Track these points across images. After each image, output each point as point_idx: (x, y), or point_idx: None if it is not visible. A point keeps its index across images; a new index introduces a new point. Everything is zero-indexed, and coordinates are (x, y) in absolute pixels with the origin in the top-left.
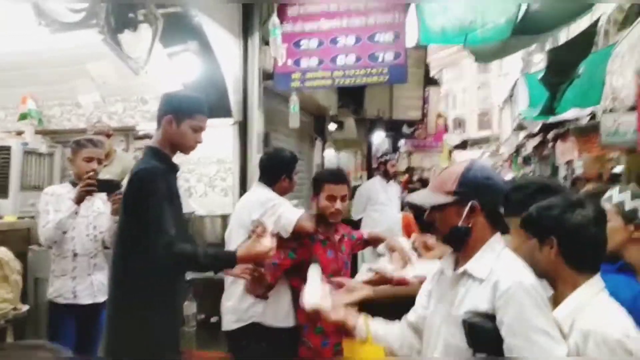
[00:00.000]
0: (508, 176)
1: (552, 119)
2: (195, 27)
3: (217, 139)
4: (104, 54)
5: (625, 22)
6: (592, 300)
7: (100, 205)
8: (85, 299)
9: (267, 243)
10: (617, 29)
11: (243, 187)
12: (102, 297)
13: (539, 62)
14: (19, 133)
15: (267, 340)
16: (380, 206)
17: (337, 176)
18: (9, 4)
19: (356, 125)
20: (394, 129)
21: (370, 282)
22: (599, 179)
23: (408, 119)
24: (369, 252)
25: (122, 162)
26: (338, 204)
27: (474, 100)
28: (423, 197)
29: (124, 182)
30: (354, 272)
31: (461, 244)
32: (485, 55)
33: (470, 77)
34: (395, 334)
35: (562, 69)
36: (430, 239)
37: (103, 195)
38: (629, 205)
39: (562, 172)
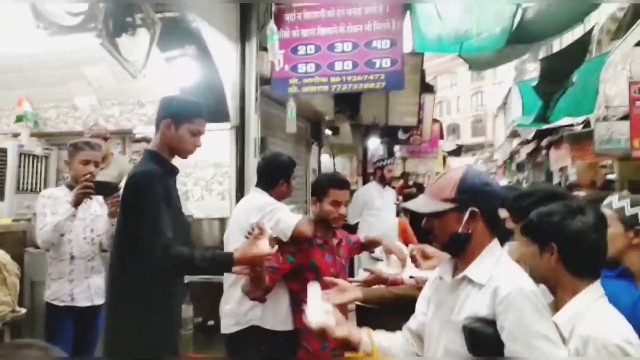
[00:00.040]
0: (502, 182)
1: (545, 126)
2: (193, 32)
3: (215, 143)
4: (100, 58)
5: (618, 32)
6: (592, 306)
7: (97, 208)
8: (82, 302)
9: (265, 245)
10: (610, 39)
11: (240, 191)
12: (99, 300)
13: (533, 70)
14: (15, 135)
15: (265, 344)
16: (376, 211)
17: (342, 182)
18: (6, 5)
19: (352, 130)
20: (390, 134)
21: (365, 282)
22: (592, 186)
23: (404, 125)
24: (365, 256)
25: (119, 165)
26: (342, 210)
27: (468, 107)
28: (421, 205)
29: (122, 185)
30: (351, 276)
31: (461, 251)
32: (479, 63)
33: (464, 85)
34: (399, 344)
35: (555, 78)
36: (429, 248)
37: (100, 198)
38: (629, 212)
39: (555, 179)
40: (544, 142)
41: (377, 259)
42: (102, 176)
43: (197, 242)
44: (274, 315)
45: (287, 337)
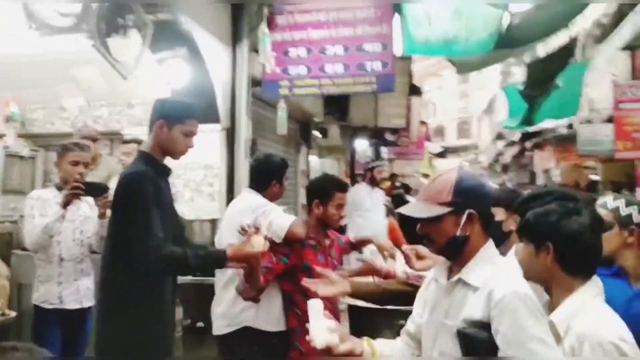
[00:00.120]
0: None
1: (530, 129)
2: (184, 34)
3: (205, 144)
4: (89, 59)
5: (602, 37)
6: (588, 305)
7: (86, 210)
8: (71, 304)
9: (258, 243)
10: (594, 43)
11: (230, 193)
12: (88, 303)
13: (518, 74)
14: (1, 136)
15: (258, 345)
16: (366, 212)
17: (345, 185)
18: None
19: (340, 132)
20: (377, 136)
21: (359, 272)
22: (576, 187)
23: (392, 126)
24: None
25: (108, 166)
26: (343, 212)
27: (453, 109)
28: (418, 210)
29: (111, 186)
30: None
31: (458, 254)
32: (467, 67)
33: (450, 87)
34: (400, 350)
35: (540, 82)
36: (422, 248)
37: (89, 199)
38: (624, 212)
39: (539, 180)
40: (529, 144)
41: (362, 261)
42: (92, 177)
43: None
44: (267, 316)
45: (279, 338)
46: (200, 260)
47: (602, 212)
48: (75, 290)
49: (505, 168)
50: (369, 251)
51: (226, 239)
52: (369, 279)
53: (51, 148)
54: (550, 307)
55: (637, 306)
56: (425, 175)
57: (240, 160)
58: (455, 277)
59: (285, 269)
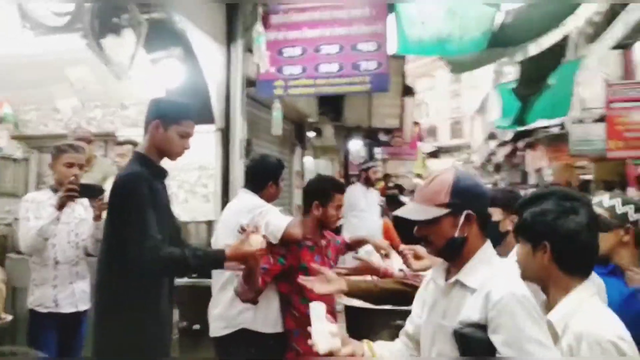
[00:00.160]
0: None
1: (522, 129)
2: (178, 33)
3: (199, 145)
4: (83, 59)
5: (594, 36)
6: (585, 304)
7: (81, 212)
8: (66, 308)
9: (257, 242)
10: (586, 42)
11: (225, 194)
12: (83, 306)
13: (510, 73)
14: None
15: (256, 346)
16: (361, 212)
17: (343, 186)
18: None
19: (334, 132)
20: (371, 136)
21: (356, 271)
22: (568, 186)
23: (386, 126)
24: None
25: (103, 168)
26: (341, 212)
27: (446, 109)
28: (416, 212)
29: (106, 187)
30: None
31: (457, 255)
32: (460, 66)
33: (442, 87)
34: (399, 351)
35: (533, 81)
36: (420, 249)
37: (84, 201)
38: (619, 210)
39: (532, 180)
40: (521, 144)
41: (360, 260)
42: (86, 179)
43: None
44: (264, 317)
45: (277, 340)
46: (199, 260)
47: (598, 210)
48: (70, 293)
49: (498, 167)
50: (364, 251)
51: (223, 240)
52: (366, 278)
53: (45, 150)
54: (547, 306)
55: (633, 304)
56: (419, 176)
57: (235, 161)
58: (453, 279)
59: (282, 270)
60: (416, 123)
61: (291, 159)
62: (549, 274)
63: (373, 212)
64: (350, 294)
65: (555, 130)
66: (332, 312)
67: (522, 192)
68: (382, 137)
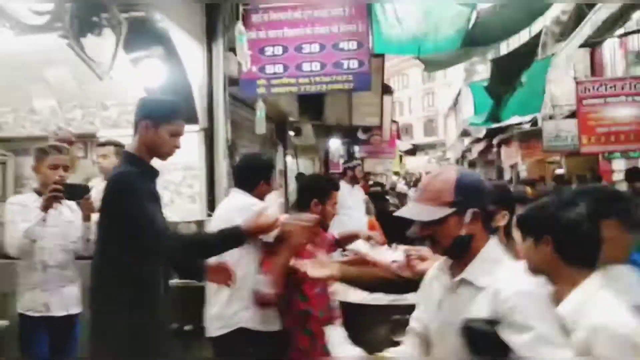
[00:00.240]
0: None
1: (495, 125)
2: (159, 33)
3: (184, 145)
4: (60, 59)
5: (562, 35)
6: (595, 296)
7: (69, 215)
8: (58, 311)
9: (272, 214)
10: (555, 41)
11: (211, 194)
12: (75, 309)
13: (481, 72)
14: None
15: (254, 345)
16: (348, 210)
17: (338, 184)
18: None
19: (314, 131)
20: (350, 135)
21: (349, 263)
22: (541, 181)
23: (367, 124)
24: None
25: (85, 170)
26: (336, 209)
27: (419, 107)
28: (419, 213)
29: (92, 186)
30: None
31: (464, 254)
32: (435, 64)
33: (416, 86)
34: (411, 355)
35: (505, 79)
36: (424, 250)
37: (71, 204)
38: None
39: (507, 175)
40: (495, 141)
41: (355, 252)
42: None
43: None
44: (262, 316)
45: (274, 338)
46: (217, 239)
47: None
48: (60, 297)
49: (472, 164)
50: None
51: None
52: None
53: (22, 152)
54: (555, 298)
55: None
56: (397, 173)
57: (219, 161)
58: (459, 277)
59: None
60: (393, 121)
61: (273, 158)
62: (554, 266)
63: (359, 209)
64: (342, 279)
65: (528, 126)
66: (329, 307)
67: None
68: (361, 135)
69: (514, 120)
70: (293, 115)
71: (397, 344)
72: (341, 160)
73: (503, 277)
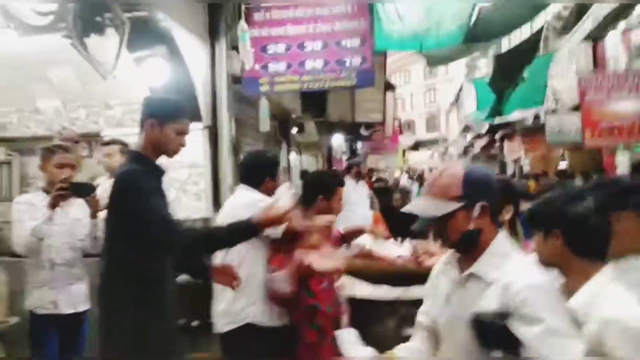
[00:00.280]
0: None
1: (498, 120)
2: (162, 32)
3: (188, 143)
4: (64, 59)
5: (563, 30)
6: (607, 290)
7: (76, 213)
8: (66, 309)
9: (284, 205)
10: (557, 36)
11: (216, 191)
12: (82, 307)
13: (483, 67)
14: None
15: (261, 340)
16: (353, 206)
17: (343, 180)
18: None
19: (317, 128)
20: (353, 132)
21: (355, 257)
22: (545, 176)
23: (370, 121)
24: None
25: (90, 169)
26: (341, 205)
27: (421, 103)
28: (428, 208)
29: (98, 184)
30: None
31: (473, 248)
32: (436, 60)
33: (417, 82)
34: (420, 350)
35: (508, 74)
36: (432, 246)
37: (79, 202)
38: None
39: (509, 170)
40: (498, 136)
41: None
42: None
43: None
44: (269, 311)
45: (282, 332)
46: (228, 233)
47: None
48: (69, 295)
49: (475, 159)
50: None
51: None
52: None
53: (27, 152)
54: (567, 291)
55: None
56: (399, 169)
57: (224, 159)
58: (468, 271)
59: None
60: (395, 118)
61: (278, 155)
62: (564, 259)
63: (363, 205)
64: (348, 272)
65: (530, 121)
66: (337, 302)
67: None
68: (364, 132)
69: (517, 115)
70: (296, 113)
71: (404, 338)
72: (344, 157)
73: (513, 271)
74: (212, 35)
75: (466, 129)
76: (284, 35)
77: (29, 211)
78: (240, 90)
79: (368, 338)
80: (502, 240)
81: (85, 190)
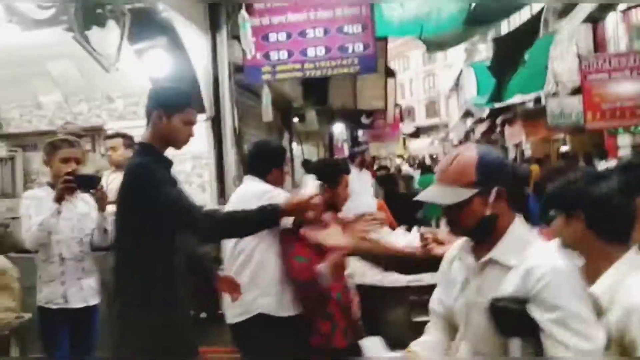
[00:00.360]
0: None
1: (498, 105)
2: (163, 23)
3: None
4: (64, 53)
5: (564, 11)
6: (631, 275)
7: (83, 207)
8: (76, 303)
9: (309, 192)
10: (557, 17)
11: (220, 182)
12: (93, 301)
13: (482, 51)
14: None
15: (274, 331)
16: (356, 195)
17: (349, 167)
18: None
19: (317, 117)
20: (353, 120)
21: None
22: (547, 160)
23: (372, 108)
24: None
25: (95, 163)
26: (347, 193)
27: (420, 90)
28: (443, 196)
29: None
30: None
31: (489, 234)
32: (437, 45)
33: (416, 68)
34: (438, 342)
35: (508, 58)
36: (441, 234)
37: (85, 197)
38: None
39: (511, 154)
40: (498, 120)
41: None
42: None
43: None
44: (280, 301)
45: (294, 322)
46: (255, 217)
47: None
48: (79, 289)
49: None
50: None
51: None
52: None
53: (29, 148)
54: (587, 273)
55: None
56: (400, 157)
57: (227, 150)
58: (487, 257)
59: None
60: (396, 105)
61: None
62: (586, 242)
63: (367, 193)
64: (356, 251)
65: (531, 105)
66: (345, 289)
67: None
68: (365, 120)
69: (517, 99)
70: (297, 101)
71: (414, 324)
72: (345, 145)
73: (535, 256)
74: (213, 25)
75: (466, 114)
76: (285, 23)
77: (37, 206)
78: (241, 79)
79: (378, 325)
80: (520, 225)
81: (91, 182)
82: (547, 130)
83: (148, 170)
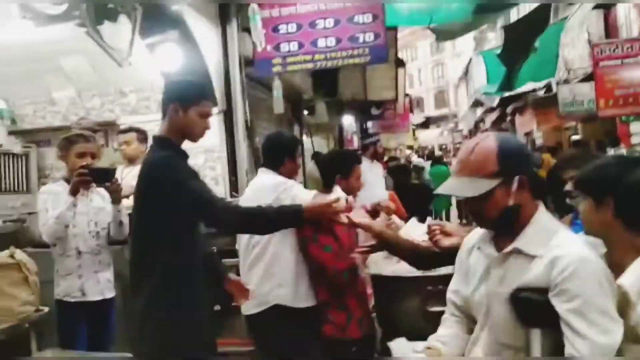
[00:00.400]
0: None
1: (509, 93)
2: (173, 16)
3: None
4: (76, 48)
5: None
6: None
7: (99, 201)
8: (94, 296)
9: (333, 196)
10: (567, 3)
11: (233, 175)
12: (109, 294)
13: (491, 40)
14: None
15: (290, 322)
16: (368, 185)
17: (360, 157)
18: None
19: (327, 109)
20: (363, 111)
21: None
22: (559, 148)
23: (383, 99)
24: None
25: (109, 157)
26: (360, 183)
27: (429, 79)
28: (465, 188)
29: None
30: None
31: (512, 224)
32: (446, 34)
33: (425, 58)
34: (458, 335)
35: (518, 45)
36: (448, 226)
37: (101, 191)
38: None
39: None
40: (509, 109)
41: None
42: None
43: None
44: (295, 292)
45: (310, 313)
46: (277, 214)
47: None
48: (96, 282)
49: None
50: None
51: None
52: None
53: (43, 143)
54: (612, 263)
55: None
56: (410, 147)
57: (240, 142)
58: (510, 247)
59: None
60: (406, 95)
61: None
62: (614, 231)
63: (379, 185)
64: (380, 235)
65: (542, 93)
66: (358, 277)
67: None
68: (374, 111)
69: (528, 87)
70: (307, 93)
71: (430, 314)
72: (355, 137)
73: (561, 245)
74: (223, 18)
75: (476, 103)
76: (295, 14)
77: (53, 200)
78: (252, 72)
79: (393, 315)
80: (544, 214)
81: (106, 175)
82: (558, 118)
83: (170, 163)
